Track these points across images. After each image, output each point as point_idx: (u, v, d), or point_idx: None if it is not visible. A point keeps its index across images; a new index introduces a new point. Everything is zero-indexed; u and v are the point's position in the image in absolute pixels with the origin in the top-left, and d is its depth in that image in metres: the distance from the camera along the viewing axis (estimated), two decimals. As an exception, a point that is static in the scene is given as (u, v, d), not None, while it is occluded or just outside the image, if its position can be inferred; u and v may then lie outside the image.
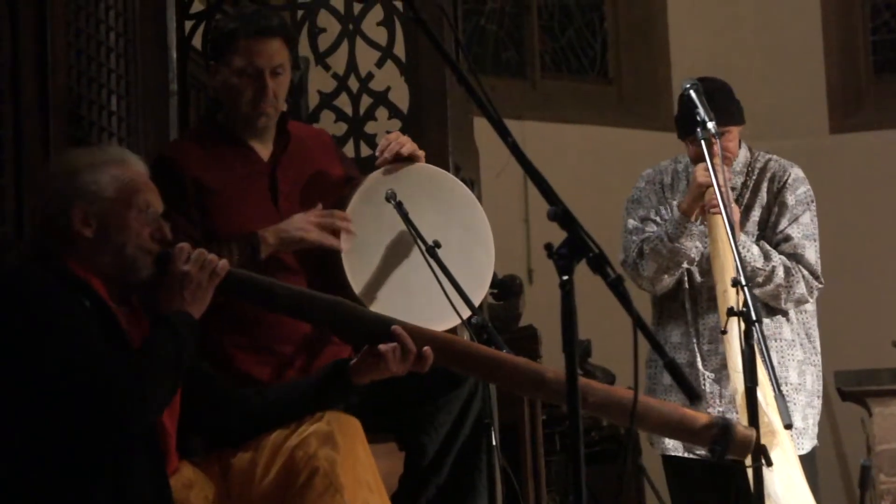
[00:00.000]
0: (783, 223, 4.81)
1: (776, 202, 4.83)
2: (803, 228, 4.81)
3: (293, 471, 3.30)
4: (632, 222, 4.89)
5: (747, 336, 3.84)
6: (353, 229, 3.85)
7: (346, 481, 3.28)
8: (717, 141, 4.31)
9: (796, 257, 4.77)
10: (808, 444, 4.76)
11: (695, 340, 4.80)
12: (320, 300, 3.43)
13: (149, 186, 3.30)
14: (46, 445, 3.02)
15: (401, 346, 3.35)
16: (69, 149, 3.61)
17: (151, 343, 3.13)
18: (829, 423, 8.45)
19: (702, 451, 4.72)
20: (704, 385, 4.75)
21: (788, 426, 3.88)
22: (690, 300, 4.83)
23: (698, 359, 4.78)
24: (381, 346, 3.34)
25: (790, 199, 4.82)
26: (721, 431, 3.36)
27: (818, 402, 4.85)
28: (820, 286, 4.81)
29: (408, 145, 3.96)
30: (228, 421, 3.45)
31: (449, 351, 3.41)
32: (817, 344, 4.88)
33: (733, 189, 4.78)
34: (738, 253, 4.03)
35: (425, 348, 3.36)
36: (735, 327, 3.97)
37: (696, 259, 4.77)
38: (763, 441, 4.05)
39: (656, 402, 3.44)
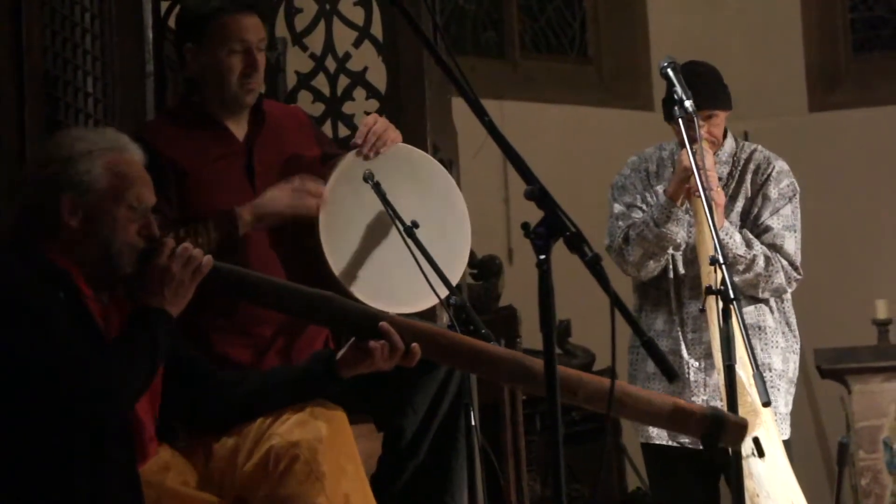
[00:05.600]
0: (765, 215, 4.81)
1: (759, 194, 4.83)
2: (784, 220, 4.80)
3: (274, 457, 3.28)
4: (618, 207, 4.87)
5: (725, 315, 3.83)
6: (328, 198, 3.83)
7: (328, 469, 3.26)
8: (697, 119, 4.30)
9: (775, 247, 4.77)
10: (787, 430, 4.77)
11: (679, 328, 4.78)
12: (307, 295, 3.37)
13: (142, 179, 3.22)
14: (16, 439, 2.99)
15: (388, 343, 3.31)
16: (65, 131, 3.52)
17: (125, 340, 3.09)
18: (808, 401, 8.50)
19: (684, 439, 4.72)
20: (689, 373, 4.74)
21: (766, 404, 3.89)
22: (675, 288, 4.82)
23: (682, 346, 4.77)
24: (370, 343, 3.30)
25: (773, 193, 4.82)
26: (713, 421, 3.32)
27: (794, 390, 4.87)
28: (798, 277, 4.80)
29: (387, 132, 3.95)
30: (211, 406, 3.42)
31: (437, 345, 3.36)
32: (797, 332, 4.89)
33: (719, 179, 4.77)
34: (717, 233, 4.03)
35: (413, 345, 3.32)
36: (714, 306, 3.97)
37: (682, 245, 4.76)
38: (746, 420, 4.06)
39: (648, 392, 3.40)
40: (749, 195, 4.84)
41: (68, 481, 3.00)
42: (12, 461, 2.99)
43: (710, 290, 3.89)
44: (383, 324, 3.31)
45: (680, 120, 4.23)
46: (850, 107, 9.39)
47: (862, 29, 9.81)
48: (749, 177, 4.84)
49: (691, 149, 4.23)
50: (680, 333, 4.79)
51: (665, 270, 4.82)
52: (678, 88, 4.25)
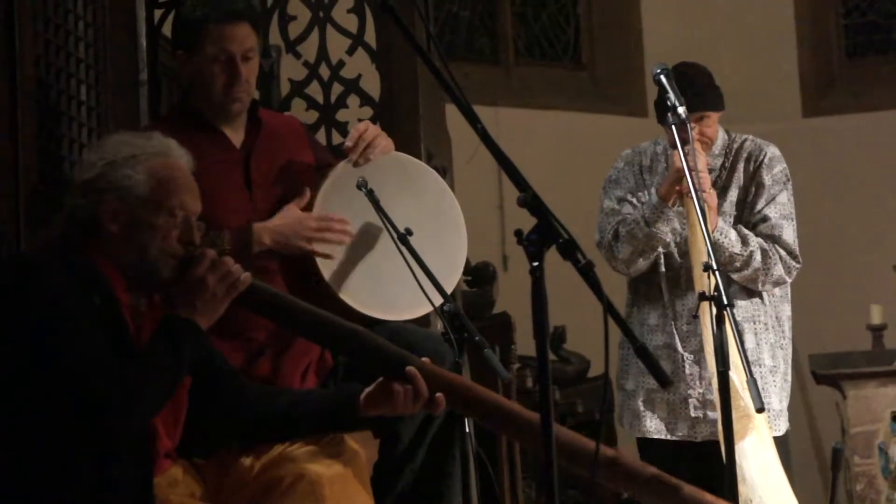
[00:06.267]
0: (760, 203, 4.81)
1: (753, 182, 4.83)
2: (780, 208, 4.81)
3: (279, 476, 3.29)
4: (608, 203, 4.88)
5: (718, 321, 3.84)
6: (349, 237, 3.84)
7: (330, 494, 3.25)
8: (690, 125, 4.31)
9: (773, 238, 4.77)
10: (783, 426, 4.77)
11: (672, 322, 4.79)
12: (339, 327, 3.34)
13: (187, 185, 3.21)
14: (31, 442, 2.99)
15: (413, 389, 3.25)
16: (116, 134, 3.52)
17: (150, 350, 3.07)
18: (803, 406, 8.50)
19: (681, 433, 4.73)
20: (684, 367, 4.74)
21: (760, 409, 3.89)
22: (668, 282, 4.82)
23: (677, 340, 4.77)
24: (394, 386, 3.25)
25: (767, 179, 4.82)
26: None
27: (788, 385, 4.87)
28: (798, 266, 4.80)
29: (377, 139, 3.96)
30: (241, 420, 3.37)
31: (463, 398, 3.32)
32: (786, 328, 4.88)
33: (711, 171, 4.77)
34: (709, 238, 4.03)
35: (438, 395, 3.26)
36: (708, 311, 3.98)
37: (672, 243, 4.77)
38: (739, 424, 4.06)
39: (679, 482, 3.37)
40: (742, 184, 4.84)
41: (73, 490, 2.98)
42: (19, 462, 2.98)
43: (703, 297, 3.90)
44: (410, 369, 3.26)
45: (673, 127, 4.24)
46: (844, 112, 9.41)
47: (855, 34, 9.83)
48: (741, 165, 4.85)
49: (682, 153, 4.24)
50: (674, 327, 4.79)
51: (657, 265, 4.83)
52: (671, 95, 4.26)
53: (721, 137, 4.88)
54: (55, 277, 3.03)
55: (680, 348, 4.77)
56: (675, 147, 4.38)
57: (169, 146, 3.25)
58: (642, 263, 4.80)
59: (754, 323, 4.78)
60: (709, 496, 3.30)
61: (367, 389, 3.32)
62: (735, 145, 4.89)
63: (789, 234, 4.80)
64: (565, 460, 3.21)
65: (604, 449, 3.20)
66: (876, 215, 9.03)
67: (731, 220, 4.79)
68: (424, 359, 3.32)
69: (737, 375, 4.07)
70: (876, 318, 7.82)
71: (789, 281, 4.84)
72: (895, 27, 9.84)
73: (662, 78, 4.31)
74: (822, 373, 6.84)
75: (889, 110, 9.28)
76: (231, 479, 3.39)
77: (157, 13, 4.90)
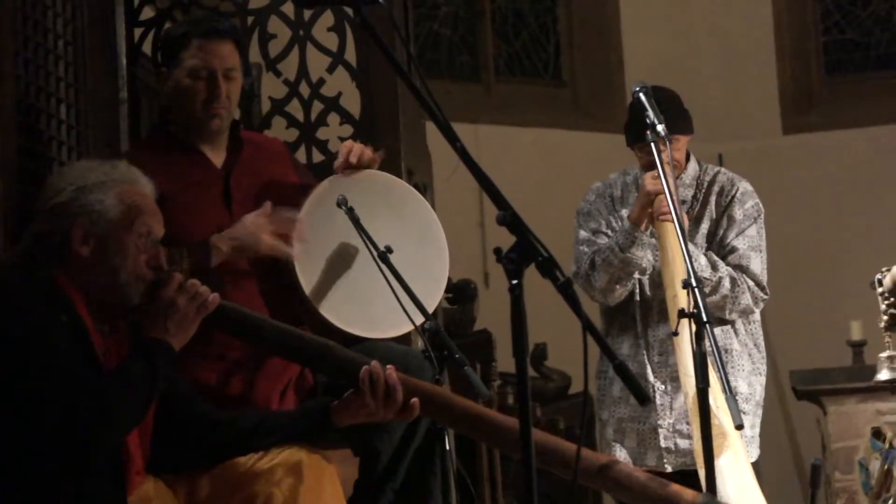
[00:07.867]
0: (730, 236, 4.83)
1: (724, 215, 4.85)
2: (749, 240, 4.82)
3: (253, 495, 3.29)
4: (583, 234, 4.88)
5: (698, 337, 3.84)
6: (305, 234, 3.84)
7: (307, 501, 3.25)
8: (668, 144, 4.31)
9: (741, 268, 4.78)
10: (754, 453, 4.78)
11: (644, 352, 4.80)
12: (309, 342, 3.40)
13: (152, 210, 3.28)
14: (5, 459, 2.99)
15: (387, 391, 3.31)
16: (80, 161, 3.57)
17: (124, 369, 3.10)
18: (784, 422, 8.51)
19: (651, 464, 4.72)
20: (655, 397, 4.75)
21: (739, 427, 3.89)
22: (641, 312, 4.83)
23: (648, 370, 4.78)
24: (362, 376, 3.30)
25: (738, 214, 4.84)
26: None
27: (760, 412, 4.88)
28: (765, 297, 4.82)
29: (366, 153, 3.98)
30: (202, 444, 3.40)
31: (434, 404, 3.37)
32: (765, 352, 4.90)
33: (683, 202, 4.78)
34: (688, 253, 4.03)
35: (413, 400, 3.33)
36: (686, 329, 3.98)
37: (648, 270, 4.77)
38: (714, 443, 4.06)
39: (645, 475, 3.41)
40: (714, 217, 4.86)
41: None
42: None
43: (682, 314, 3.90)
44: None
45: (652, 144, 4.24)
46: (823, 129, 9.45)
47: (834, 52, 9.88)
48: (713, 198, 4.87)
49: (662, 171, 4.23)
50: (646, 357, 4.79)
51: (631, 295, 4.84)
52: (650, 113, 4.26)
53: (692, 167, 4.89)
54: (23, 294, 3.06)
55: (651, 378, 4.77)
56: (653, 167, 4.38)
57: (134, 174, 3.32)
58: (619, 291, 4.80)
59: (726, 352, 4.78)
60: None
61: (336, 402, 3.37)
62: (707, 177, 4.90)
63: (757, 265, 4.81)
64: (542, 463, 3.23)
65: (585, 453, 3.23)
66: (855, 231, 9.06)
67: (702, 251, 4.80)
68: (389, 366, 3.36)
69: (711, 394, 4.07)
70: (856, 334, 7.83)
71: (756, 311, 4.85)
72: (874, 44, 9.89)
73: (642, 96, 4.31)
74: (802, 389, 6.85)
75: (868, 127, 9.32)
76: (201, 497, 3.39)
77: (137, 32, 4.90)
